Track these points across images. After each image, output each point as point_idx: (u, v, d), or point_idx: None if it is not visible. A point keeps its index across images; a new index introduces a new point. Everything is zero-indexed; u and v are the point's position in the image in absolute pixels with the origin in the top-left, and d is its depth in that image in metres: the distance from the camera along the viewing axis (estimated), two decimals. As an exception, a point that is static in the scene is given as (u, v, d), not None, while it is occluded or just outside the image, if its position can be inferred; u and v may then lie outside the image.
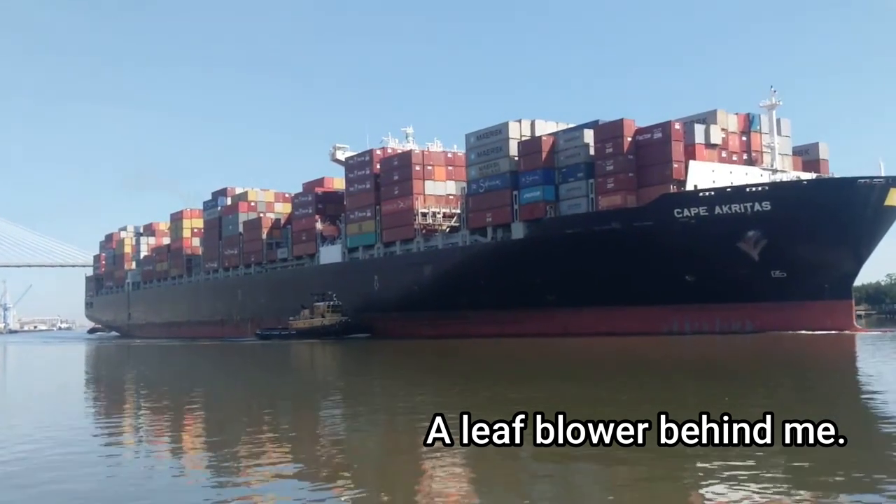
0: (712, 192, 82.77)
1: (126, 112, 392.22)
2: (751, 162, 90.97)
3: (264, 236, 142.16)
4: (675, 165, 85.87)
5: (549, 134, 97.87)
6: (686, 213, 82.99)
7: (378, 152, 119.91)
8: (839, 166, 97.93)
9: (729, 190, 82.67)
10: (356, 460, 21.61)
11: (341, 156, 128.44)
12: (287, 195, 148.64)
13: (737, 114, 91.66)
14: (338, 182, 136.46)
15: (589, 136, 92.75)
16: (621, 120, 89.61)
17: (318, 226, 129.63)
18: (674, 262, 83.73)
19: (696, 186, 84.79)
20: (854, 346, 64.59)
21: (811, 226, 79.01)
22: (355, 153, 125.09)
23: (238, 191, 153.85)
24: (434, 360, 66.04)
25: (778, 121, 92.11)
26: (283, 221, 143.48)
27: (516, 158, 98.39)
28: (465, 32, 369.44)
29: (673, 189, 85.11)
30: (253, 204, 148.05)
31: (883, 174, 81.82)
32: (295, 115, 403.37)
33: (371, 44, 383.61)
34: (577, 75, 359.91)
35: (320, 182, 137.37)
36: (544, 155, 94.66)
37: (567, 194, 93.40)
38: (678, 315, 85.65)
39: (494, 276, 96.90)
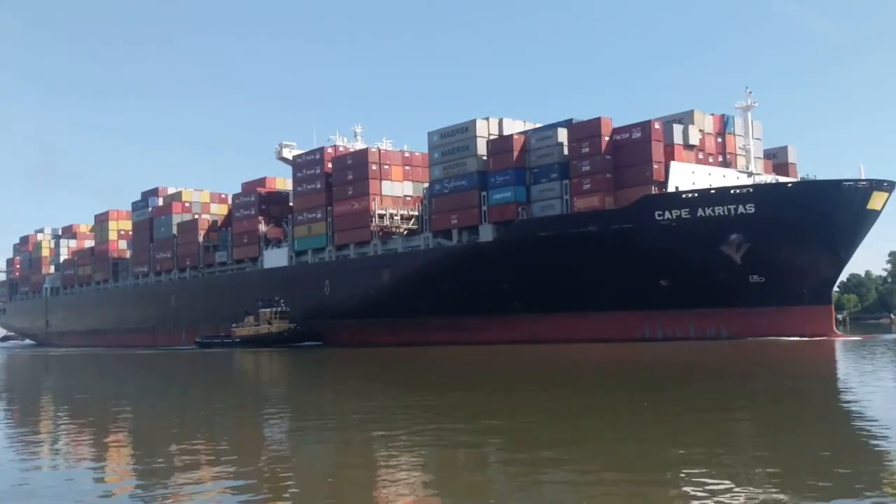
0: (695, 194, 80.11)
1: (32, 99, 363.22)
2: (726, 164, 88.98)
3: (201, 239, 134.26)
4: (656, 166, 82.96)
5: (520, 133, 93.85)
6: (667, 215, 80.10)
7: (329, 150, 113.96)
8: (803, 170, 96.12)
9: (713, 192, 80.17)
10: (302, 477, 19.69)
11: (288, 154, 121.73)
12: (224, 195, 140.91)
13: (712, 115, 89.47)
14: (281, 182, 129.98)
15: (563, 134, 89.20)
16: (598, 118, 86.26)
17: (262, 228, 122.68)
18: (651, 266, 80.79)
19: (677, 188, 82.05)
20: (833, 353, 62.04)
21: (795, 229, 77.10)
22: (304, 151, 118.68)
23: (171, 191, 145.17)
24: (391, 370, 61.56)
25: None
26: (220, 223, 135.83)
27: (485, 158, 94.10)
28: (422, 29, 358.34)
29: (655, 190, 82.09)
30: (187, 205, 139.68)
31: (863, 177, 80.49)
32: (231, 113, 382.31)
33: (317, 38, 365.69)
34: (538, 74, 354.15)
35: (262, 182, 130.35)
36: (515, 154, 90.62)
37: (540, 195, 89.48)
38: (650, 321, 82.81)
39: (459, 280, 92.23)
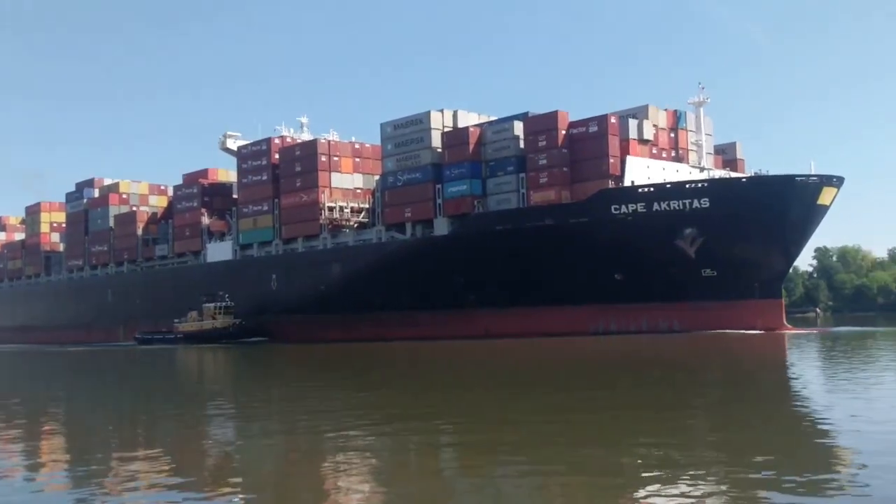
0: (651, 189, 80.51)
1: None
2: (678, 159, 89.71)
3: (139, 231, 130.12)
4: (612, 160, 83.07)
5: (475, 125, 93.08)
6: (624, 209, 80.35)
7: (276, 141, 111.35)
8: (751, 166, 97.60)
9: (668, 186, 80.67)
10: (248, 477, 18.77)
11: (232, 145, 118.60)
12: (163, 187, 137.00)
13: (666, 110, 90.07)
14: (224, 173, 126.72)
15: (519, 128, 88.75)
16: (555, 112, 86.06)
17: (205, 220, 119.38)
18: (607, 260, 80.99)
19: (633, 182, 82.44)
20: (784, 346, 62.83)
21: (747, 224, 78.01)
22: (249, 142, 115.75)
23: (107, 182, 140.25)
24: (341, 366, 60.18)
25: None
26: (160, 215, 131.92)
27: (439, 150, 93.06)
28: (371, 19, 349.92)
29: (611, 185, 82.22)
30: (125, 196, 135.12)
31: (814, 172, 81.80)
32: (172, 102, 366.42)
33: (262, 25, 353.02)
34: (491, 66, 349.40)
35: (204, 173, 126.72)
36: (471, 147, 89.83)
37: (496, 189, 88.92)
38: (605, 315, 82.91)
39: (413, 274, 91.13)
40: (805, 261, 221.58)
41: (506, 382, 40.40)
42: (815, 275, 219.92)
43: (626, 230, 79.53)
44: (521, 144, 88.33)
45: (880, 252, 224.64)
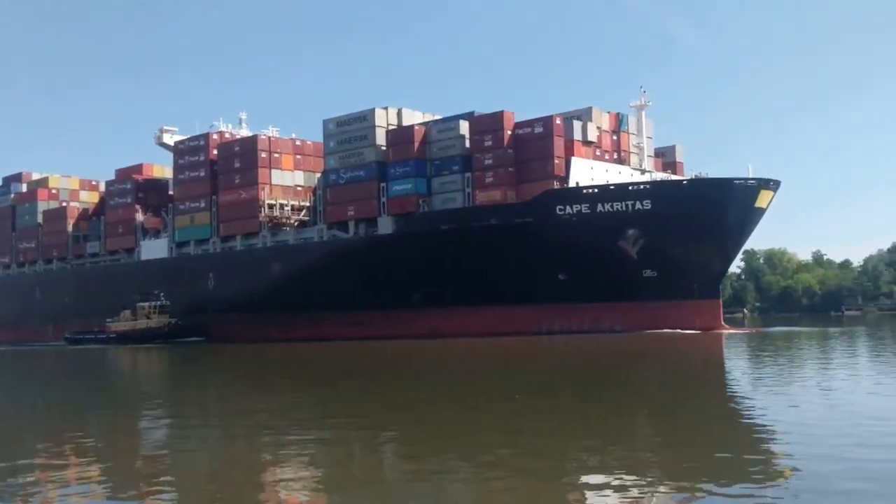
0: (595, 190, 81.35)
1: None
2: (620, 161, 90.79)
3: (70, 228, 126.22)
4: (557, 161, 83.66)
5: (420, 124, 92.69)
6: (568, 210, 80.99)
7: (215, 137, 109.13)
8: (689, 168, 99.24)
9: (612, 188, 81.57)
10: (182, 479, 18.25)
11: (169, 140, 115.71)
12: (95, 182, 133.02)
13: (609, 112, 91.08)
14: (159, 169, 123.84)
15: (464, 127, 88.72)
16: (501, 112, 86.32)
17: (139, 217, 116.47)
18: (551, 260, 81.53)
19: (577, 183, 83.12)
20: (721, 345, 64.31)
21: (688, 225, 79.36)
22: (186, 137, 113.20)
23: (36, 176, 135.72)
24: (279, 367, 59.35)
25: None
26: (91, 212, 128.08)
27: (384, 148, 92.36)
28: (312, 13, 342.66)
29: (556, 185, 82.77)
30: (55, 191, 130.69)
31: (752, 176, 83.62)
32: (104, 94, 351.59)
33: (201, 16, 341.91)
34: (435, 65, 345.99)
35: (138, 169, 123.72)
36: (416, 145, 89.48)
37: (441, 188, 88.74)
38: (549, 315, 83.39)
39: (356, 273, 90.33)
40: (734, 263, 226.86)
41: (445, 384, 40.11)
42: (742, 276, 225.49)
43: (570, 231, 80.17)
44: (467, 144, 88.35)
45: (805, 255, 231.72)
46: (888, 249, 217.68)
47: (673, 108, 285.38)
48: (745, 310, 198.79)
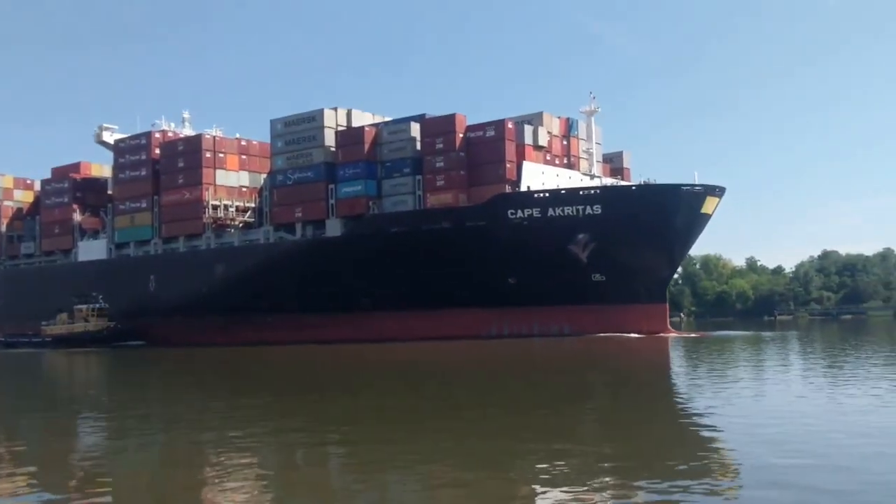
0: (547, 194, 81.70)
1: None
2: (570, 166, 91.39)
3: (3, 228, 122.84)
4: (508, 165, 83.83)
5: (370, 125, 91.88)
6: (520, 213, 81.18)
7: (157, 135, 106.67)
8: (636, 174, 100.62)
9: (563, 192, 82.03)
10: (121, 487, 17.54)
11: (109, 138, 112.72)
12: (30, 181, 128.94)
13: (559, 117, 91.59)
14: (98, 168, 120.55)
15: (416, 129, 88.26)
16: (453, 115, 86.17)
17: (77, 217, 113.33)
18: (502, 264, 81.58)
19: (529, 188, 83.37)
20: (667, 348, 65.00)
21: (637, 230, 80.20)
22: (127, 135, 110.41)
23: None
24: (221, 371, 57.88)
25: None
26: (25, 211, 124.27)
27: (333, 149, 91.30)
28: (258, 12, 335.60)
29: (508, 189, 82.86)
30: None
31: (698, 182, 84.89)
32: (40, 88, 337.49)
33: (143, 13, 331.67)
34: (385, 67, 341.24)
35: (76, 167, 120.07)
36: (366, 147, 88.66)
37: (391, 190, 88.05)
38: (499, 318, 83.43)
39: (304, 276, 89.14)
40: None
41: (393, 387, 39.72)
42: (679, 281, 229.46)
43: (521, 234, 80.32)
44: (418, 146, 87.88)
45: (739, 261, 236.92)
46: (818, 256, 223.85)
47: (620, 115, 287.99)
48: (681, 314, 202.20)
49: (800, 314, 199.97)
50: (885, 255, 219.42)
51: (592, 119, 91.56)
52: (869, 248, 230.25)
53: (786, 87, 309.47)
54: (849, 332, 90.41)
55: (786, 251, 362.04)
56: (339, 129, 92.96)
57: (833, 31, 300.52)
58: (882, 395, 27.80)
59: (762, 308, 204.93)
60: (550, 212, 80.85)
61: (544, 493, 15.17)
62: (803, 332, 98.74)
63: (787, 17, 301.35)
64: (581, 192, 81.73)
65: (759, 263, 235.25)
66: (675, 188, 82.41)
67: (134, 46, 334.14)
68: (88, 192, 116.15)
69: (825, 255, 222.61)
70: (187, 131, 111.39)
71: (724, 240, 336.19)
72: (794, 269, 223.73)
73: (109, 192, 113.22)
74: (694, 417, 24.90)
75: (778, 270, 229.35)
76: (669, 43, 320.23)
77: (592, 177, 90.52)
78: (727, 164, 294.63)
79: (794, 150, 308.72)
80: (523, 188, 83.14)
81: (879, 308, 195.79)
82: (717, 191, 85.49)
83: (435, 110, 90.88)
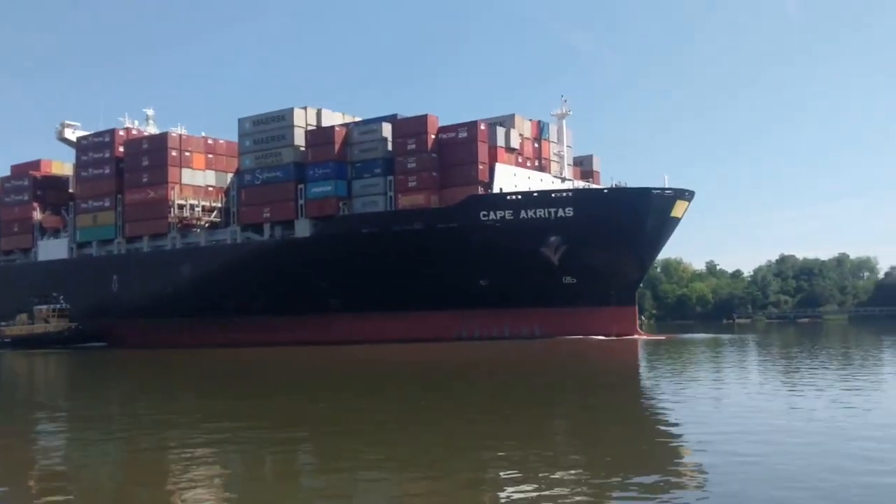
0: (519, 196, 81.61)
1: None
2: (541, 168, 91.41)
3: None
4: (481, 167, 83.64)
5: (340, 125, 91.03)
6: (492, 215, 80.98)
7: (121, 133, 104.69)
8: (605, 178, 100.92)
9: (536, 194, 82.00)
10: (82, 493, 17.19)
11: (71, 135, 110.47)
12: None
13: (530, 120, 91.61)
14: (59, 165, 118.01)
15: (387, 130, 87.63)
16: (425, 116, 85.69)
17: (37, 216, 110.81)
18: (474, 266, 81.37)
19: (501, 189, 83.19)
20: (636, 350, 65.52)
21: (608, 233, 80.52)
22: (90, 133, 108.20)
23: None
24: (185, 373, 57.28)
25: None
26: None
27: (302, 149, 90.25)
28: (222, 9, 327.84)
29: (480, 191, 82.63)
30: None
31: (667, 186, 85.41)
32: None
33: (107, 7, 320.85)
34: (354, 66, 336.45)
35: (36, 165, 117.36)
36: (337, 147, 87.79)
37: (362, 191, 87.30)
38: (468, 320, 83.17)
39: (271, 277, 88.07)
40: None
41: (358, 389, 39.35)
42: (641, 284, 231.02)
43: (494, 236, 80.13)
44: (390, 147, 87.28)
45: (699, 265, 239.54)
46: (776, 261, 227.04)
47: (590, 119, 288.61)
48: (642, 317, 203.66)
49: (758, 317, 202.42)
50: (840, 260, 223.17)
51: (564, 122, 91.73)
52: (825, 253, 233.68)
53: (742, 98, 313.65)
54: (805, 336, 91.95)
55: (745, 255, 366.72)
56: (309, 128, 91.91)
57: (792, 40, 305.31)
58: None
59: (721, 311, 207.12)
60: (523, 214, 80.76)
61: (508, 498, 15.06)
62: (761, 335, 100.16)
63: (751, 27, 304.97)
64: (553, 195, 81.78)
65: (718, 267, 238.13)
66: (646, 192, 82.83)
67: (97, 41, 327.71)
68: (49, 190, 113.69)
69: (783, 260, 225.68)
70: (151, 129, 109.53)
71: (684, 244, 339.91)
72: (752, 274, 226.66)
73: (71, 190, 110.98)
74: (660, 416, 25.19)
75: (737, 274, 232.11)
76: (639, 52, 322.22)
77: (563, 179, 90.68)
78: (690, 170, 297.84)
79: (754, 157, 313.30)
80: (496, 190, 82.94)
81: (835, 312, 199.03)
82: (687, 194, 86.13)
83: (405, 112, 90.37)
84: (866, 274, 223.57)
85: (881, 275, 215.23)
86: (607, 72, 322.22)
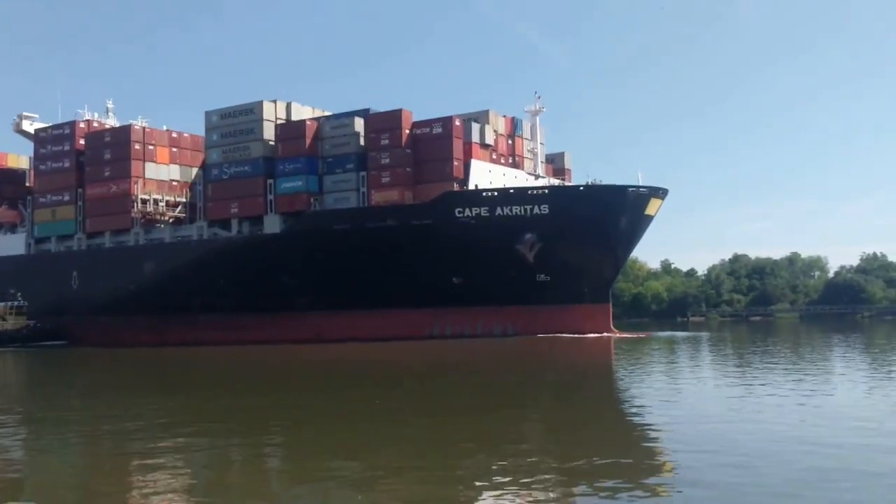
0: (495, 193, 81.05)
1: None
2: (515, 165, 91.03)
3: None
4: (456, 163, 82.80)
5: (311, 119, 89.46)
6: (468, 212, 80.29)
7: (82, 125, 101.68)
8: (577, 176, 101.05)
9: (511, 191, 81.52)
10: (41, 495, 17.14)
11: (29, 127, 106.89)
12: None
13: (504, 116, 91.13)
14: (14, 158, 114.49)
15: (360, 124, 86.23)
16: (399, 111, 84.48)
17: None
18: (448, 263, 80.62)
19: (476, 186, 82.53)
20: (610, 348, 66.05)
21: (583, 231, 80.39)
22: (49, 125, 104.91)
23: None
24: (147, 373, 56.72)
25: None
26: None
27: (272, 143, 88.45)
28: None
29: (455, 187, 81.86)
30: None
31: (642, 184, 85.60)
32: None
33: None
34: (325, 60, 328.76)
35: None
36: (307, 141, 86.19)
37: (334, 186, 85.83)
38: (441, 318, 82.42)
39: (239, 274, 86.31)
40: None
41: (330, 387, 39.00)
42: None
43: (468, 233, 79.44)
44: (362, 142, 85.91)
45: (654, 264, 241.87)
46: (729, 260, 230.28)
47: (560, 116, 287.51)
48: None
49: (711, 315, 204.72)
50: (792, 259, 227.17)
51: (537, 119, 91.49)
52: (777, 252, 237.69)
53: (712, 104, 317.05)
54: (757, 333, 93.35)
55: (698, 255, 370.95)
56: (279, 122, 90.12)
57: (757, 50, 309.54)
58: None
59: (676, 309, 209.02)
60: (498, 211, 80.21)
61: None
62: (715, 332, 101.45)
63: (719, 36, 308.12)
64: (529, 192, 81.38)
65: (673, 266, 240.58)
66: (621, 189, 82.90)
67: (55, 31, 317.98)
68: (5, 183, 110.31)
69: (736, 259, 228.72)
70: (111, 122, 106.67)
71: (641, 243, 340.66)
72: (706, 272, 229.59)
73: (28, 184, 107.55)
74: (643, 424, 25.19)
75: (691, 273, 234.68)
76: (606, 55, 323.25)
77: (537, 177, 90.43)
78: (647, 170, 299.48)
79: (709, 158, 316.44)
80: (471, 186, 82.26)
81: (787, 310, 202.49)
82: (661, 193, 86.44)
83: (377, 107, 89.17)
84: (817, 273, 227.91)
85: (831, 274, 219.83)
86: (575, 76, 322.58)
